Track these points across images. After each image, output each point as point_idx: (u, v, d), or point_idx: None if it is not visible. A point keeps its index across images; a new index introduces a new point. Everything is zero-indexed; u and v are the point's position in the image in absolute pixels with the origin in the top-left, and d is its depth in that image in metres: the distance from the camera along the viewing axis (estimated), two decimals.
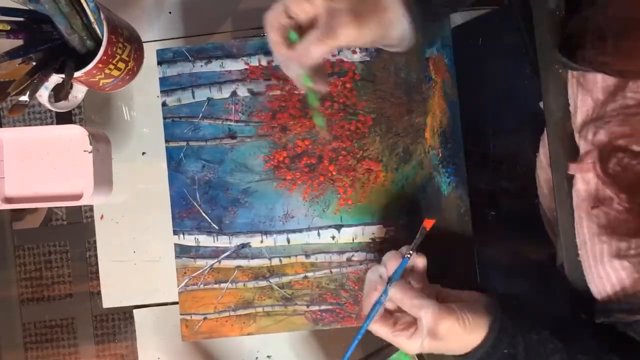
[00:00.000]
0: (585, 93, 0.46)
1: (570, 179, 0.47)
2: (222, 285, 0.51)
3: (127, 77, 0.54)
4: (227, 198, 0.51)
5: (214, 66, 0.51)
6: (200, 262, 0.51)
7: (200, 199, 0.51)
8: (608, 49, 0.42)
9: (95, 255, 0.59)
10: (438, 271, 0.49)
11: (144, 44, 0.56)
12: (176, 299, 0.58)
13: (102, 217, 0.58)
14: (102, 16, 0.47)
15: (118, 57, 0.50)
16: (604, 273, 0.45)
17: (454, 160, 0.50)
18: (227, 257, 0.51)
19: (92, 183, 0.52)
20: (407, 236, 0.50)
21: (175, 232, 0.51)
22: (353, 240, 0.50)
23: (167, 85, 0.52)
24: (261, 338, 0.58)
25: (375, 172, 0.50)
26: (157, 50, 0.52)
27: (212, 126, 0.51)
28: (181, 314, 0.51)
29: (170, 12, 0.59)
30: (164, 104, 0.52)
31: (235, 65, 0.51)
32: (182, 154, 0.51)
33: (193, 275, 0.51)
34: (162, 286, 0.58)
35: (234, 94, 0.51)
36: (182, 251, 0.51)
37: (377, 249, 0.50)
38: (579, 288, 0.46)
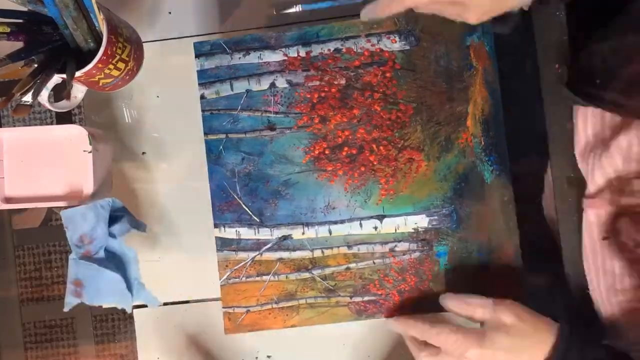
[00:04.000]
0: (589, 119, 0.47)
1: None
2: (264, 277, 0.51)
3: (127, 77, 0.54)
4: (267, 190, 0.51)
5: (252, 58, 0.51)
6: (242, 255, 0.51)
7: (241, 191, 0.51)
8: (615, 86, 0.43)
9: None
10: (484, 260, 0.49)
11: (143, 44, 0.56)
12: (176, 299, 0.58)
13: None
14: (101, 16, 0.47)
15: (118, 57, 0.50)
16: (615, 300, 0.45)
17: (497, 149, 0.49)
18: (269, 250, 0.51)
19: (92, 183, 0.52)
20: (450, 225, 0.50)
21: (216, 225, 0.51)
22: (395, 230, 0.50)
23: (205, 78, 0.51)
24: (261, 338, 0.58)
25: (416, 161, 0.50)
26: (195, 43, 0.52)
27: (251, 118, 0.51)
28: (223, 307, 0.51)
29: (170, 12, 0.59)
30: (202, 97, 0.51)
31: (273, 57, 0.51)
32: (221, 147, 0.51)
33: (235, 268, 0.51)
34: (162, 286, 0.58)
35: (272, 85, 0.51)
36: (223, 244, 0.51)
37: (420, 239, 0.50)
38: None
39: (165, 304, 0.59)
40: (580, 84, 0.47)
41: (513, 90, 0.52)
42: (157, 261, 0.59)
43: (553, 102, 0.50)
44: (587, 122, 0.48)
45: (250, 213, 0.51)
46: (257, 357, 0.58)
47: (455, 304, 0.45)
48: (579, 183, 0.50)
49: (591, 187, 0.48)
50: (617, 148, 0.45)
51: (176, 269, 0.59)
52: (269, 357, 0.58)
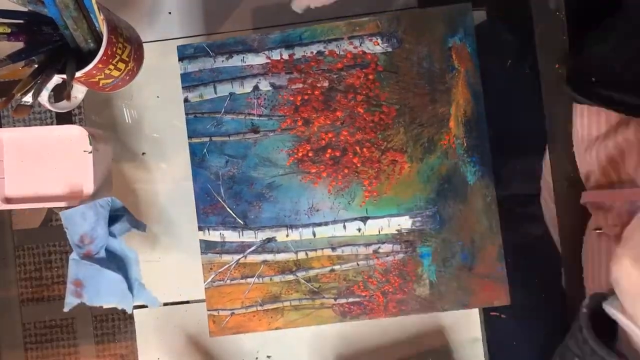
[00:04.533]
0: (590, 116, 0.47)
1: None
2: (249, 280, 0.51)
3: (127, 78, 0.54)
4: (251, 193, 0.51)
5: (235, 61, 0.51)
6: (226, 258, 0.51)
7: (225, 194, 0.51)
8: (613, 84, 0.43)
9: None
10: (467, 261, 0.49)
11: (144, 44, 0.56)
12: (177, 299, 0.58)
13: None
14: (102, 17, 0.47)
15: (118, 57, 0.50)
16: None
17: (479, 150, 0.50)
18: (253, 252, 0.51)
19: (92, 183, 0.52)
20: (434, 227, 0.50)
21: (200, 228, 0.51)
22: (379, 232, 0.50)
23: (189, 81, 0.52)
24: (261, 338, 0.58)
25: (400, 163, 0.50)
26: (178, 47, 0.52)
27: (235, 121, 0.51)
28: (208, 310, 0.51)
29: (170, 13, 0.59)
30: (186, 100, 0.52)
31: (256, 60, 0.51)
32: (205, 150, 0.51)
33: (219, 270, 0.51)
34: (162, 286, 0.58)
35: (256, 88, 0.51)
36: (207, 247, 0.51)
37: (404, 241, 0.50)
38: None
39: (165, 304, 0.59)
40: (579, 82, 0.47)
41: (511, 90, 0.52)
42: (157, 261, 0.59)
43: (553, 102, 0.50)
44: (585, 119, 0.48)
45: (235, 216, 0.51)
46: (257, 357, 0.58)
47: None
48: (578, 183, 0.50)
49: (589, 183, 0.48)
50: (615, 145, 0.45)
51: (176, 269, 0.59)
52: (268, 357, 0.58)
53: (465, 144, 0.50)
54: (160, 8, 0.59)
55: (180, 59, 0.52)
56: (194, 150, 0.51)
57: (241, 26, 0.59)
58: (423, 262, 0.50)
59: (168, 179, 0.59)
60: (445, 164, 0.50)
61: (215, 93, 0.51)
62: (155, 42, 0.59)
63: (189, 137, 0.51)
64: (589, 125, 0.48)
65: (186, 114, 0.51)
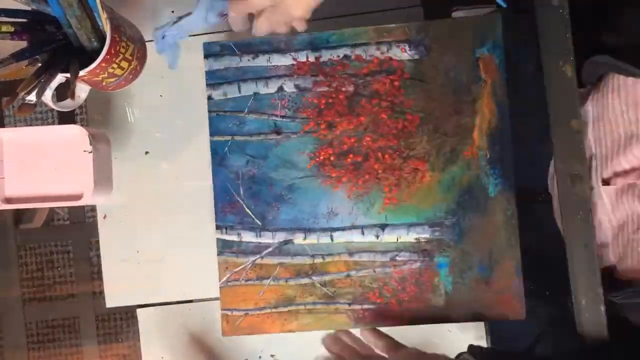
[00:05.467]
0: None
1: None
2: (264, 281, 0.51)
3: (130, 77, 0.54)
4: (270, 194, 0.51)
5: (261, 61, 0.51)
6: (242, 258, 0.51)
7: (244, 194, 0.51)
8: None
9: (98, 255, 0.59)
10: (484, 274, 0.49)
11: (147, 43, 0.56)
12: (180, 298, 0.58)
13: (105, 216, 0.58)
14: (105, 15, 0.47)
15: (121, 56, 0.50)
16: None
17: (502, 162, 0.49)
18: (270, 254, 0.51)
19: (92, 183, 0.52)
20: (452, 237, 0.50)
21: (217, 227, 0.51)
22: (397, 240, 0.50)
23: (214, 79, 0.51)
24: (265, 337, 0.58)
25: (421, 171, 0.50)
26: (204, 44, 0.51)
27: (258, 121, 0.51)
28: (222, 309, 0.51)
29: (172, 12, 0.59)
30: (209, 98, 0.51)
31: (282, 61, 0.51)
32: (226, 148, 0.51)
33: (235, 270, 0.51)
34: (165, 285, 0.58)
35: (280, 89, 0.51)
36: (224, 246, 0.51)
37: (421, 250, 0.50)
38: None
39: (169, 303, 0.58)
40: (622, 53, 0.47)
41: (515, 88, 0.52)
42: (160, 261, 0.58)
43: (557, 100, 0.50)
44: (630, 91, 0.48)
45: (253, 216, 0.51)
46: (260, 357, 0.58)
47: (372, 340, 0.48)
48: (583, 181, 0.50)
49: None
50: None
51: (179, 269, 0.59)
52: (272, 356, 0.58)
53: (488, 156, 0.49)
54: (163, 6, 0.59)
55: (206, 56, 0.51)
56: (215, 149, 0.51)
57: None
58: (440, 272, 0.50)
59: (171, 178, 0.59)
60: (467, 175, 0.50)
61: (240, 92, 0.51)
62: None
63: (211, 134, 0.51)
64: (635, 95, 0.48)
65: (209, 111, 0.51)
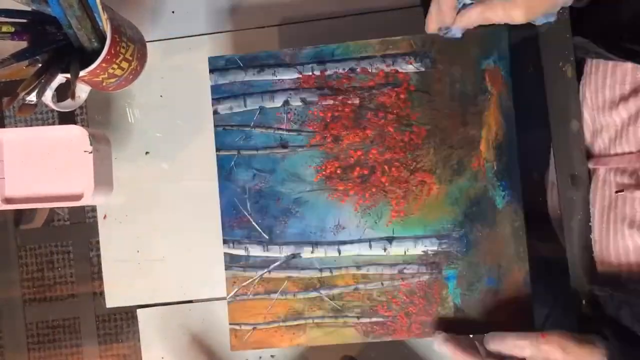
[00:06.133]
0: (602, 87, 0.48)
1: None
2: (272, 295, 0.51)
3: (131, 77, 0.54)
4: (278, 208, 0.51)
5: (267, 75, 0.51)
6: (250, 272, 0.51)
7: (251, 208, 0.51)
8: None
9: (98, 255, 0.60)
10: (493, 285, 0.49)
11: (147, 43, 0.56)
12: (180, 298, 0.58)
13: (105, 216, 0.59)
14: (105, 16, 0.47)
15: (121, 56, 0.50)
16: (622, 244, 0.46)
17: (509, 174, 0.49)
18: (277, 268, 0.51)
19: (93, 183, 0.53)
20: (460, 250, 0.49)
21: (225, 242, 0.51)
22: (405, 252, 0.50)
23: (219, 94, 0.51)
24: None
25: (428, 184, 0.50)
26: (209, 58, 0.51)
27: (264, 135, 0.51)
28: (230, 324, 0.51)
29: (173, 12, 0.59)
30: (215, 112, 0.51)
31: (287, 74, 0.51)
32: (233, 163, 0.51)
33: (242, 285, 0.51)
34: (166, 286, 0.58)
35: (286, 103, 0.51)
36: (231, 260, 0.51)
37: (429, 262, 0.50)
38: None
39: (169, 303, 0.58)
40: (605, 39, 0.47)
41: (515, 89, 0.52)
42: (161, 261, 0.58)
43: (557, 101, 0.50)
44: (607, 79, 0.49)
45: (260, 230, 0.51)
46: (260, 357, 0.58)
47: (502, 346, 0.45)
48: (583, 181, 0.50)
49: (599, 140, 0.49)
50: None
51: (179, 269, 0.59)
52: (272, 356, 0.58)
53: (495, 168, 0.49)
54: (163, 7, 0.59)
55: (211, 71, 0.51)
56: (222, 163, 0.51)
57: (244, 25, 0.59)
58: (448, 284, 0.49)
59: (171, 178, 0.59)
60: (474, 187, 0.50)
61: (245, 106, 0.51)
62: (159, 41, 0.59)
63: (217, 149, 0.51)
64: (612, 85, 0.49)
65: (215, 126, 0.51)
